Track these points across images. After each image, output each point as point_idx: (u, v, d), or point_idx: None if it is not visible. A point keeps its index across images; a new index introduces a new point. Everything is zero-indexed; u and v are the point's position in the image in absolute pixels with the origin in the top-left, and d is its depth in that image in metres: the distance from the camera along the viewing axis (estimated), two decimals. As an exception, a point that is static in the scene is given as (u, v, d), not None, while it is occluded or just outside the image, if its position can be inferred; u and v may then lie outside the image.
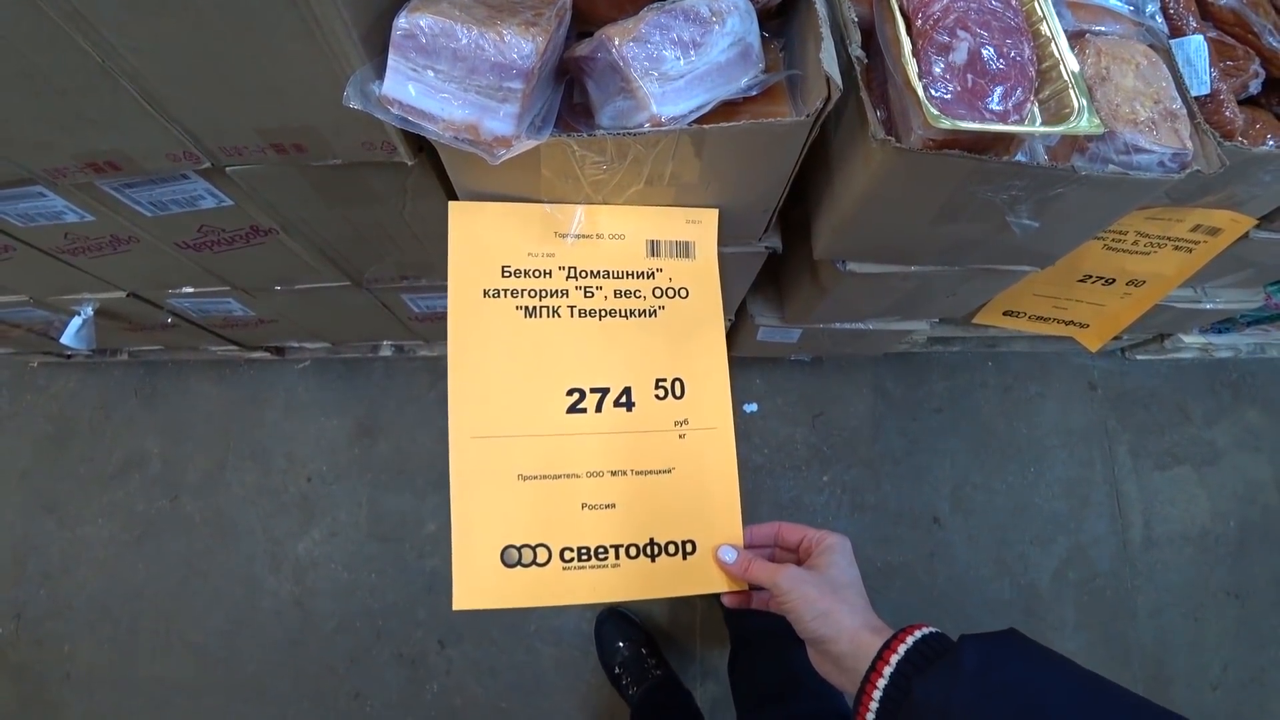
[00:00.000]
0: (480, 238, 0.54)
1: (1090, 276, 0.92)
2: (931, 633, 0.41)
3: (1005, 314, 1.01)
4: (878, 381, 1.31)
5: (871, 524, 1.25)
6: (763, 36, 0.58)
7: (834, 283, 0.71)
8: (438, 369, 1.26)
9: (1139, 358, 1.45)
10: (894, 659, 0.40)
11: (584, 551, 0.51)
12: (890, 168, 0.51)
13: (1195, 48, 0.72)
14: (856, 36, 0.52)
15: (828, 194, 0.60)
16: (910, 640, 0.40)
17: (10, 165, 0.59)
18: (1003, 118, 0.47)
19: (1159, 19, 0.66)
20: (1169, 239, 0.85)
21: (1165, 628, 1.34)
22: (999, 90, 0.49)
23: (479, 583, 0.51)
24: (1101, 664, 1.30)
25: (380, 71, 0.44)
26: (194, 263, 0.80)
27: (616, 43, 0.44)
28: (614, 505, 0.52)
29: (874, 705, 0.39)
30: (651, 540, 0.52)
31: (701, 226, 0.57)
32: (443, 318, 0.98)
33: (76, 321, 0.97)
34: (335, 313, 0.96)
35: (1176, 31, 0.73)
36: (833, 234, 0.62)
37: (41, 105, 0.51)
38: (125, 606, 1.23)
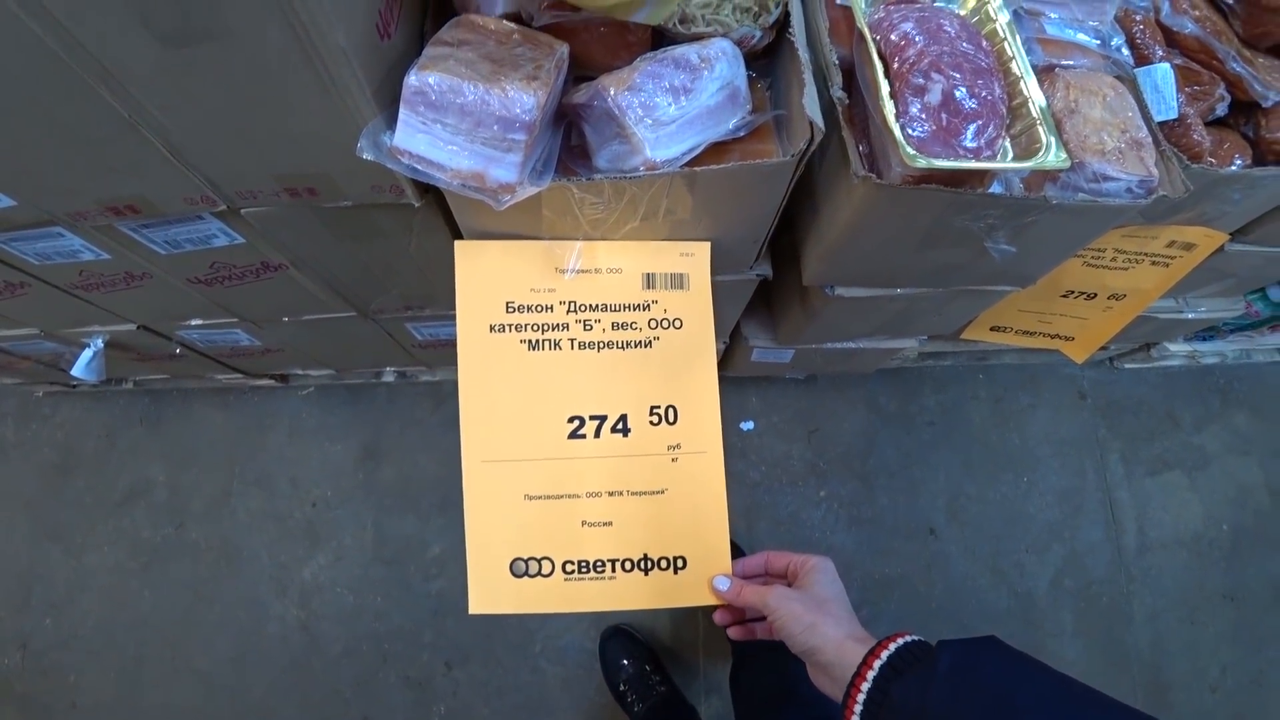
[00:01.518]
0: (485, 275, 0.57)
1: (1072, 292, 0.96)
2: (912, 640, 0.44)
3: (992, 329, 1.04)
4: (871, 397, 1.33)
5: (869, 537, 1.27)
6: (750, 76, 0.61)
7: (823, 306, 0.74)
8: (440, 393, 1.28)
9: (1127, 366, 1.48)
10: (876, 664, 0.42)
11: (584, 564, 0.56)
12: (872, 201, 0.54)
13: (1162, 75, 0.75)
14: (837, 78, 0.55)
15: (814, 224, 0.63)
16: (892, 647, 0.43)
17: (35, 209, 0.61)
18: (976, 154, 0.50)
19: (1125, 51, 0.69)
20: (1146, 254, 0.89)
21: (1162, 632, 1.36)
22: (972, 128, 0.52)
23: (491, 590, 0.56)
24: (1100, 669, 1.32)
25: (391, 123, 0.47)
26: (204, 296, 0.82)
27: (612, 92, 0.47)
28: (611, 523, 0.57)
29: (858, 709, 0.41)
30: (645, 555, 0.57)
31: (695, 259, 0.59)
32: (445, 344, 1.00)
33: (87, 354, 0.99)
34: (341, 341, 0.98)
35: (1144, 60, 0.76)
36: (820, 262, 0.65)
37: (68, 155, 0.53)
38: (131, 634, 1.24)
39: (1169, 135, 0.75)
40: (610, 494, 0.57)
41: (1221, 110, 0.81)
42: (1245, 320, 1.30)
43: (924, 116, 0.51)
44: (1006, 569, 1.30)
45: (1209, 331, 1.39)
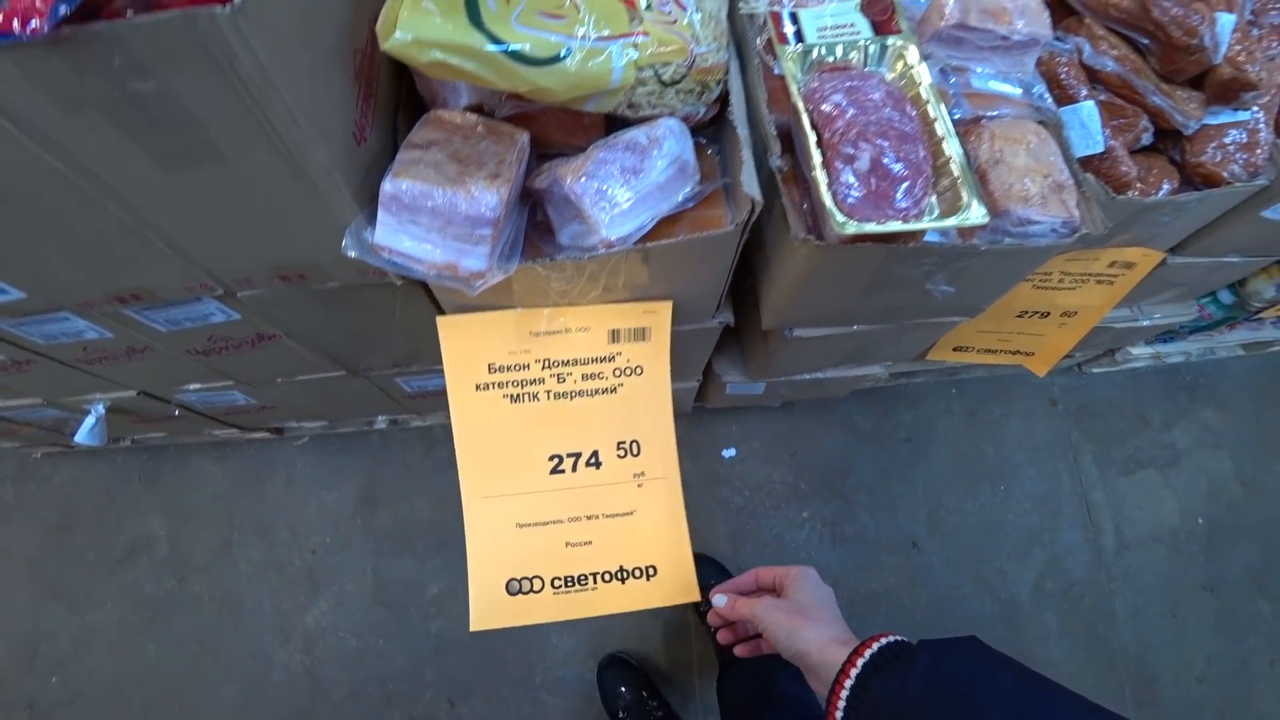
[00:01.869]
0: (467, 343, 0.62)
1: (1026, 312, 1.01)
2: (894, 640, 0.46)
3: (955, 350, 1.09)
4: (847, 418, 1.38)
5: (853, 554, 1.31)
6: (699, 142, 0.67)
7: (785, 345, 0.79)
8: (431, 438, 1.33)
9: (1095, 370, 1.53)
10: (860, 662, 0.44)
11: (569, 579, 0.66)
12: (815, 259, 0.59)
13: (1087, 112, 0.81)
14: (776, 148, 0.60)
15: (766, 277, 0.68)
16: (875, 646, 0.45)
17: (45, 300, 0.66)
18: (904, 215, 0.55)
19: (1047, 98, 0.75)
20: (1090, 275, 0.94)
21: (1145, 628, 1.40)
22: (901, 189, 0.57)
23: (490, 609, 0.65)
24: (1086, 668, 1.36)
25: (371, 220, 0.52)
26: (202, 365, 0.86)
27: (569, 180, 0.53)
28: (590, 542, 0.67)
29: (841, 704, 0.43)
30: (621, 567, 0.67)
31: (657, 315, 0.65)
32: (434, 394, 1.05)
33: (90, 421, 1.03)
34: (333, 397, 1.02)
35: (1070, 99, 0.82)
36: (775, 310, 0.70)
37: (77, 254, 0.58)
38: (138, 689, 1.26)
39: (1097, 167, 0.81)
40: (588, 518, 0.67)
41: (1147, 139, 0.87)
42: (1200, 323, 1.36)
43: (855, 182, 0.56)
44: (989, 577, 1.34)
45: (1168, 334, 1.45)
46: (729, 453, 1.34)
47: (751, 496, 1.32)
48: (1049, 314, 1.02)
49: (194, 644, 1.28)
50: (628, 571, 0.66)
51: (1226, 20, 0.82)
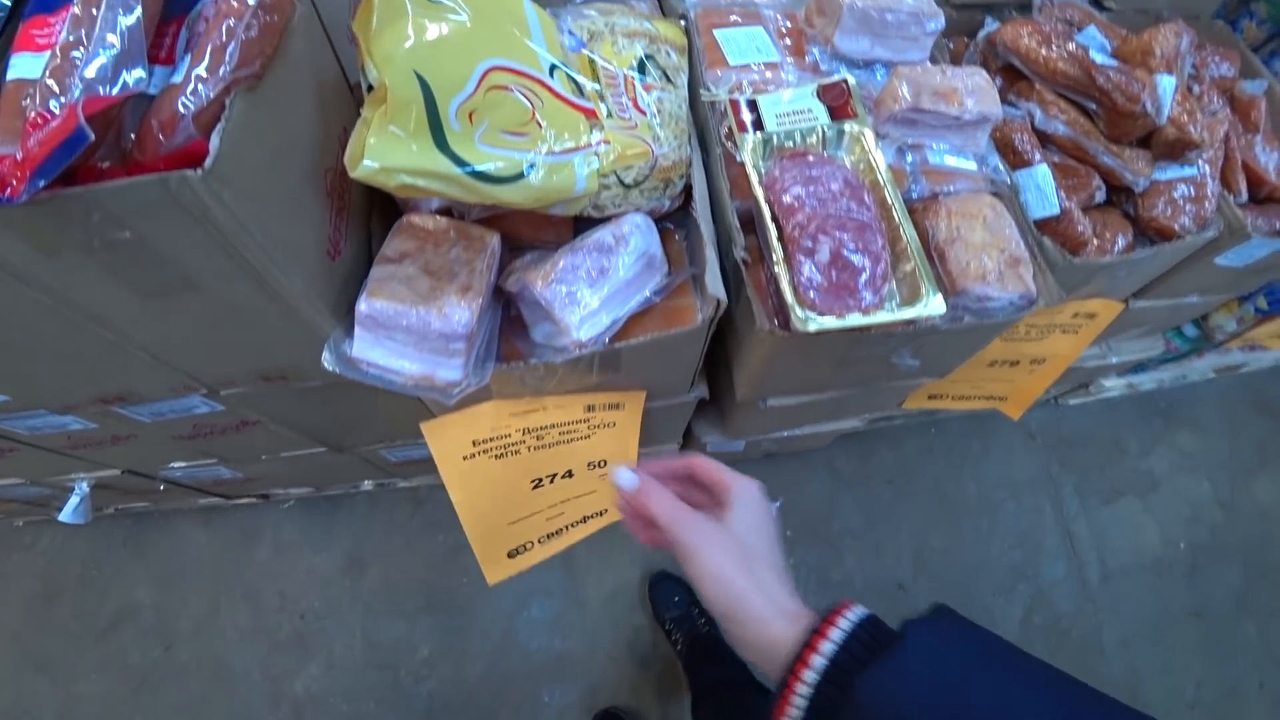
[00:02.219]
0: (452, 436, 0.64)
1: (997, 362, 1.04)
2: (863, 618, 0.36)
3: (930, 398, 1.11)
4: (830, 462, 1.40)
5: (840, 598, 1.31)
6: (665, 228, 0.69)
7: (760, 412, 0.81)
8: (417, 497, 1.33)
9: (1071, 403, 1.56)
10: (825, 647, 0.35)
11: (550, 534, 0.84)
12: (780, 347, 0.61)
13: (1042, 175, 0.85)
14: (740, 239, 0.63)
15: (738, 356, 0.70)
16: (840, 627, 0.35)
17: (28, 403, 0.67)
18: (865, 309, 0.57)
19: (1001, 170, 0.78)
20: (1055, 325, 0.97)
21: (1134, 657, 1.41)
22: (861, 279, 0.59)
23: (498, 568, 0.81)
24: (1078, 702, 1.36)
25: (349, 332, 0.53)
26: (187, 446, 0.87)
27: (539, 285, 0.54)
28: (563, 512, 0.83)
29: (796, 709, 0.35)
30: (584, 516, 0.85)
31: (630, 398, 0.67)
32: (419, 462, 1.06)
33: (74, 500, 1.03)
34: (319, 468, 1.03)
35: (1024, 163, 0.86)
36: (747, 386, 0.72)
37: (61, 367, 0.59)
38: (126, 764, 1.24)
39: (1054, 228, 0.84)
40: (563, 502, 0.82)
41: (1100, 197, 0.90)
42: (1168, 355, 1.39)
43: (817, 275, 0.58)
44: (976, 614, 1.35)
45: (1140, 366, 1.48)
46: (714, 502, 1.35)
47: (738, 545, 1.33)
48: (1019, 362, 1.05)
49: (182, 715, 1.26)
50: (589, 516, 0.86)
51: (1167, 83, 0.86)
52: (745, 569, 0.39)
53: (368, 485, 1.27)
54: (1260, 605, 1.49)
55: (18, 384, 0.63)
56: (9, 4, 0.51)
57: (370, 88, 0.52)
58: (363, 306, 0.50)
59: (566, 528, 0.85)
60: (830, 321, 0.56)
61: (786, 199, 0.62)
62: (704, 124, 0.71)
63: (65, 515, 1.02)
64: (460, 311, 0.50)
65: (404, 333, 0.50)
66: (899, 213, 0.64)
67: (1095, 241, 0.89)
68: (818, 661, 0.34)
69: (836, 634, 0.35)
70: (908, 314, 0.57)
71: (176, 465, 0.97)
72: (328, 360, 0.51)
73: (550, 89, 0.53)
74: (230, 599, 1.30)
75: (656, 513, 0.41)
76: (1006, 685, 0.34)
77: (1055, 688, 0.34)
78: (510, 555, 0.82)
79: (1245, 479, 1.62)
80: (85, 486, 1.03)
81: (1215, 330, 1.28)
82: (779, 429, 0.96)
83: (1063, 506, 1.48)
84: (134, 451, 0.89)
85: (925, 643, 0.35)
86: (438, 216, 0.58)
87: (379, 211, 0.63)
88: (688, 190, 0.66)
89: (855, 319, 0.56)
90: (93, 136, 0.36)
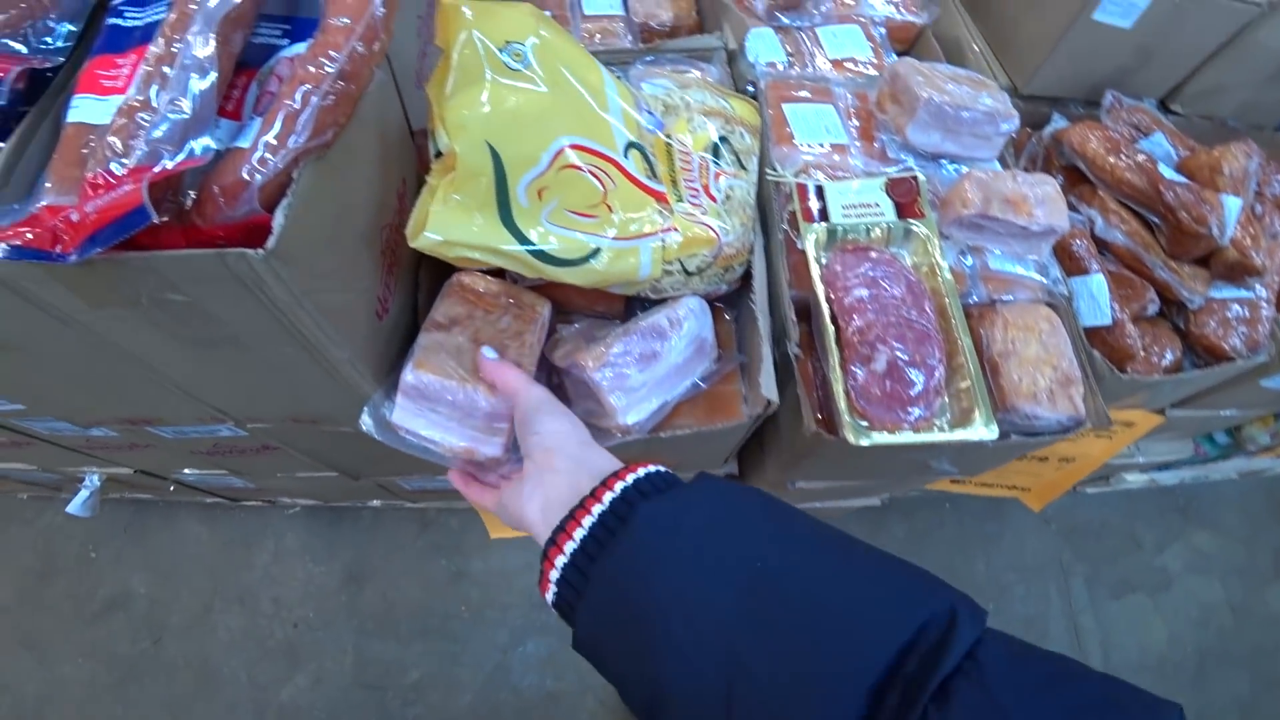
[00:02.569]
0: None
1: (1025, 456, 1.02)
2: (647, 474, 0.37)
3: (953, 481, 1.09)
4: (842, 528, 1.38)
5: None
6: (716, 306, 0.68)
7: (785, 490, 0.79)
8: (424, 520, 1.32)
9: (1089, 491, 1.54)
10: (628, 477, 0.37)
11: None
12: (824, 446, 0.59)
13: (1097, 285, 0.83)
14: (795, 335, 0.61)
15: (775, 443, 0.69)
16: (614, 491, 0.36)
17: (54, 416, 0.66)
18: (916, 425, 0.56)
19: (1061, 283, 0.76)
20: (1085, 430, 0.95)
21: None
22: (914, 391, 0.58)
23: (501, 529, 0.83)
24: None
25: (390, 396, 0.52)
26: (204, 460, 0.86)
27: (590, 367, 0.53)
28: None
29: (555, 574, 0.35)
30: None
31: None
32: (433, 492, 1.04)
33: (83, 494, 1.02)
34: (331, 488, 1.02)
35: (1080, 270, 0.84)
36: (780, 471, 0.70)
37: (92, 392, 0.58)
38: (100, 755, 1.23)
39: (1104, 338, 0.82)
40: None
41: (1152, 310, 0.89)
42: (1195, 459, 1.37)
43: (871, 384, 0.57)
44: (975, 699, 1.33)
45: (1164, 465, 1.46)
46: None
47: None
48: (1047, 459, 1.03)
49: (163, 712, 1.25)
50: None
51: (1233, 205, 0.84)
52: (535, 476, 0.41)
53: (375, 502, 1.26)
54: (1265, 717, 1.45)
55: (45, 401, 0.62)
56: (78, 29, 0.51)
57: (439, 153, 0.51)
58: (409, 377, 0.49)
59: None
60: (882, 437, 0.54)
61: (848, 300, 0.60)
62: (767, 201, 0.69)
63: (73, 508, 1.01)
64: None
65: (449, 407, 0.49)
66: (959, 325, 0.62)
67: (1143, 354, 0.87)
68: (618, 486, 0.36)
69: (640, 472, 0.37)
70: (958, 437, 0.56)
71: (190, 471, 0.96)
72: (366, 424, 0.50)
73: (623, 169, 0.52)
74: (225, 599, 1.29)
75: (509, 377, 0.47)
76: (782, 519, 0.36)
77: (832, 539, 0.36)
78: None
79: (1260, 585, 1.58)
80: (96, 480, 1.03)
81: (1248, 441, 1.26)
82: (799, 503, 0.94)
83: (1071, 596, 1.45)
84: (150, 458, 0.88)
85: (711, 485, 0.36)
86: (489, 278, 0.57)
87: (427, 266, 0.62)
88: (745, 273, 0.65)
89: (907, 436, 0.55)
90: (155, 218, 0.35)
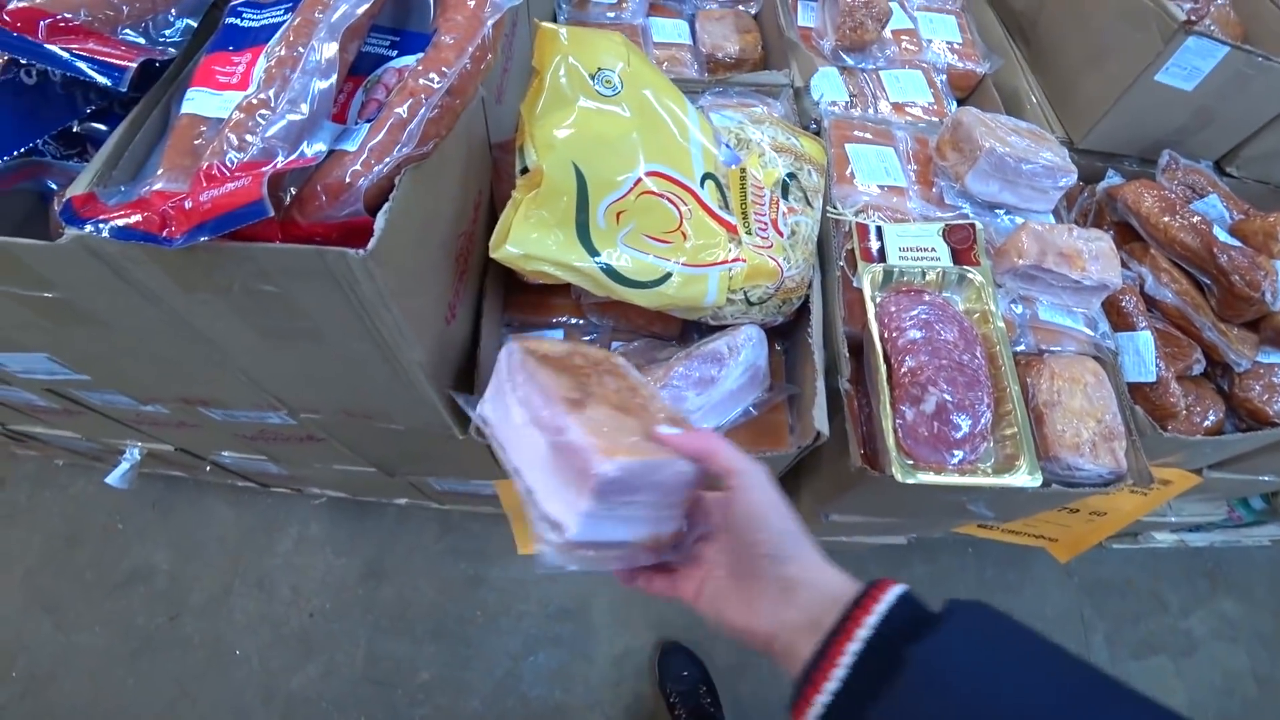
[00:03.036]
0: None
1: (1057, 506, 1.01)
2: (903, 593, 0.34)
3: (980, 526, 1.08)
4: (861, 565, 1.36)
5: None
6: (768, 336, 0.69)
7: (817, 521, 0.79)
8: (448, 521, 1.33)
9: (1115, 546, 1.51)
10: (875, 609, 0.33)
11: None
12: (866, 482, 0.60)
13: (1144, 342, 0.83)
14: (846, 371, 0.62)
15: (812, 475, 0.69)
16: (885, 600, 0.33)
17: (114, 389, 0.68)
18: (961, 468, 0.56)
19: (1109, 338, 0.76)
20: (1125, 485, 0.94)
21: None
22: (960, 434, 0.58)
23: (529, 544, 0.79)
24: None
25: (543, 529, 0.37)
26: (246, 444, 0.88)
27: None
28: None
29: (846, 660, 0.32)
30: None
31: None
32: (462, 495, 1.06)
33: (123, 466, 1.04)
34: (363, 482, 1.04)
35: (1128, 325, 0.84)
36: (816, 502, 0.71)
37: (156, 370, 0.60)
38: (108, 725, 1.24)
39: (1147, 394, 0.81)
40: None
41: (1198, 370, 0.88)
42: (1229, 522, 1.34)
43: (918, 424, 0.58)
44: (985, 751, 1.30)
45: (1195, 527, 1.43)
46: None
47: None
48: (1078, 510, 1.02)
49: (174, 686, 1.26)
50: None
51: (1288, 271, 0.84)
52: (751, 583, 0.37)
53: (401, 500, 1.28)
54: (1287, 797, 1.40)
55: (110, 374, 0.64)
56: (195, 24, 0.54)
57: (525, 169, 0.52)
58: (608, 470, 0.34)
59: None
60: (928, 477, 0.55)
61: (901, 340, 0.61)
62: (826, 238, 0.71)
63: (112, 479, 1.03)
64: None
65: (652, 491, 0.38)
66: (1009, 373, 0.63)
67: (1185, 413, 0.86)
68: (869, 621, 0.33)
69: (884, 602, 0.34)
70: (1003, 482, 0.56)
71: (228, 454, 0.98)
72: (543, 564, 0.38)
73: (699, 199, 0.54)
74: (245, 583, 1.31)
75: (705, 443, 0.38)
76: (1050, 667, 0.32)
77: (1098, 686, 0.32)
78: None
79: (1286, 658, 1.54)
80: (136, 454, 1.05)
81: (1284, 509, 1.24)
82: (830, 535, 0.94)
83: (1091, 653, 1.42)
84: (194, 437, 0.91)
85: (973, 616, 0.33)
86: (546, 341, 0.46)
87: (494, 269, 0.64)
88: (801, 306, 0.66)
89: (951, 478, 0.55)
90: (271, 213, 0.37)
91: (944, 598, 0.34)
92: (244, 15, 0.50)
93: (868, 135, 0.78)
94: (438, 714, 1.21)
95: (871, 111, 0.85)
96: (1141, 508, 1.00)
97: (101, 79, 0.45)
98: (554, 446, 0.37)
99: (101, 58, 0.46)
